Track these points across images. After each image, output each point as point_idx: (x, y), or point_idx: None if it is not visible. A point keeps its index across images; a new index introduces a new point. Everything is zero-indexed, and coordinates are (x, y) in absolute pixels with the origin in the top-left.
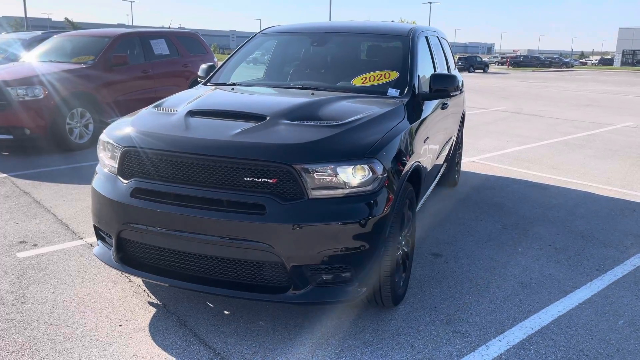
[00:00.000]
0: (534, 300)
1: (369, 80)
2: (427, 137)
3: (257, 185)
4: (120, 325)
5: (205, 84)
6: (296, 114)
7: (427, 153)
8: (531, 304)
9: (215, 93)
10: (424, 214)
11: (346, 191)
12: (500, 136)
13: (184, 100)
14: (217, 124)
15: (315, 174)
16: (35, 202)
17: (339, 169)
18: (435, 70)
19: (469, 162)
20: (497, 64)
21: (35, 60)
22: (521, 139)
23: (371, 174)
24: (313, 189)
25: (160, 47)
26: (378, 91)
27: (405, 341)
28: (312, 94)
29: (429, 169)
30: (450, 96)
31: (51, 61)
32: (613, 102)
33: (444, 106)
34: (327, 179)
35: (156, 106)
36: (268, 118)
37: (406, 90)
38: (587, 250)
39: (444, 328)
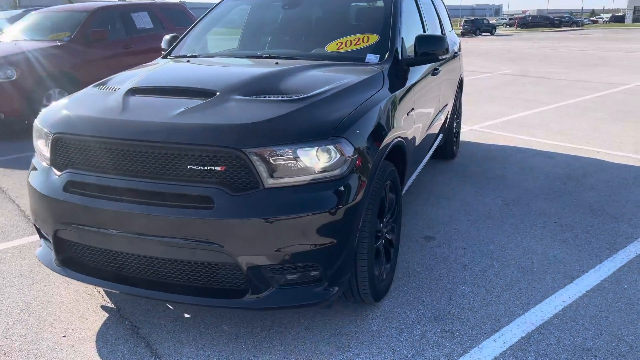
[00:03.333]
0: (536, 289)
1: (345, 45)
2: (414, 108)
3: (203, 175)
4: (64, 336)
5: (165, 57)
6: (251, 88)
7: (415, 125)
8: (532, 294)
9: (166, 67)
10: (417, 191)
11: (309, 177)
12: (505, 101)
13: (131, 77)
14: (158, 103)
15: (271, 159)
16: (0, 191)
17: (299, 152)
18: (425, 32)
19: (470, 131)
20: (505, 25)
21: (8, 39)
22: (527, 103)
23: (339, 155)
24: (269, 176)
25: (143, 21)
26: (355, 57)
27: (386, 344)
28: (277, 63)
29: (417, 143)
30: (439, 60)
31: (26, 40)
32: (624, 60)
33: (435, 72)
34: (286, 165)
35: (98, 85)
36: (217, 94)
37: (387, 55)
38: (597, 227)
39: (432, 327)
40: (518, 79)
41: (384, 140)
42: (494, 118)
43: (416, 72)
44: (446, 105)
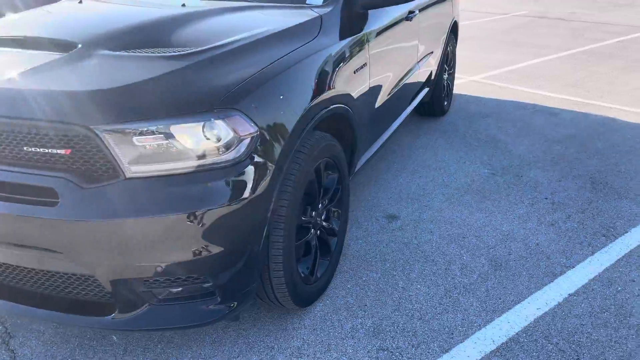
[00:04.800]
0: (507, 290)
1: None
2: (367, 63)
3: (45, 160)
4: None
5: None
6: (125, 40)
7: (370, 84)
8: (501, 297)
9: (46, 8)
10: (392, 157)
11: (188, 164)
12: (515, 47)
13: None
14: (4, 60)
15: (134, 140)
16: None
17: (174, 130)
18: None
19: (469, 83)
20: None
21: None
22: (539, 49)
23: (231, 133)
24: (131, 163)
25: None
26: None
27: None
28: (184, 5)
29: (378, 105)
30: (403, 1)
31: None
32: None
33: (409, 16)
34: (155, 147)
35: None
36: (78, 47)
37: None
38: (595, 205)
39: (367, 343)
40: (534, 21)
41: (311, 107)
42: (499, 67)
43: (379, 17)
44: (430, 54)
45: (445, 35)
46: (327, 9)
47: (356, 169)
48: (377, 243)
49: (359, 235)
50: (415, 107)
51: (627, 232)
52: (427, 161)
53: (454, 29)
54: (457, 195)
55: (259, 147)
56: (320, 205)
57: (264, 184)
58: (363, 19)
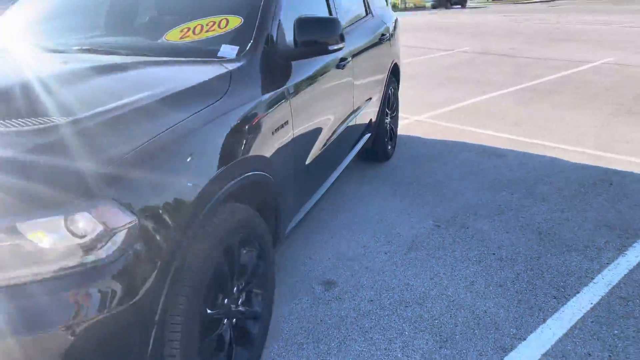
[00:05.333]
0: None
1: (193, 32)
2: (288, 120)
3: None
4: None
5: None
6: None
7: (299, 140)
8: None
9: None
10: (332, 210)
11: (46, 269)
12: (459, 84)
13: None
14: None
15: None
16: None
17: (23, 227)
18: (332, 13)
19: (414, 123)
20: None
21: None
22: (483, 86)
23: (100, 227)
24: None
25: None
26: (202, 51)
27: None
28: (66, 63)
29: (308, 161)
30: (329, 51)
31: None
32: (593, 34)
33: (341, 64)
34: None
35: None
36: None
37: (250, 46)
38: (544, 260)
39: None
40: (478, 57)
41: (214, 180)
42: (444, 105)
43: (304, 69)
44: (369, 99)
45: (385, 79)
46: (239, 63)
47: (286, 234)
48: (311, 319)
49: (291, 310)
50: (359, 154)
51: (578, 292)
52: (369, 213)
53: (394, 71)
54: (401, 254)
55: (140, 239)
56: (235, 289)
57: (148, 282)
58: (285, 72)
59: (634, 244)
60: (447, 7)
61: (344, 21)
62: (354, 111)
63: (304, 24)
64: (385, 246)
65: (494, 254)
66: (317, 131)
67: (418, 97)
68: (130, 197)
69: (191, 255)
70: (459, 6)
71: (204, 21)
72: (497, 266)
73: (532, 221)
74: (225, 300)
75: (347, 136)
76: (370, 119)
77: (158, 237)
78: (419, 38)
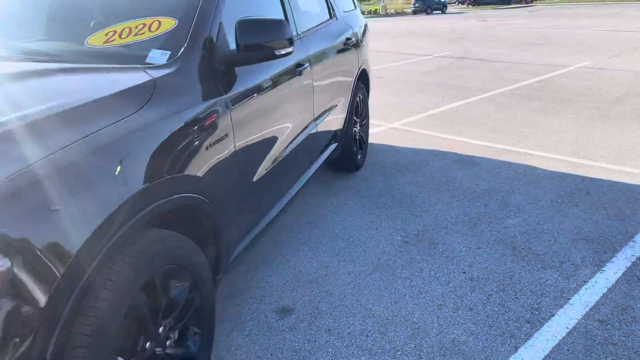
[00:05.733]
0: None
1: (119, 36)
2: (229, 134)
3: None
4: None
5: None
6: None
7: (244, 155)
8: None
9: None
10: (295, 225)
11: None
12: (436, 90)
13: None
14: None
15: None
16: None
17: None
18: (287, 16)
19: (389, 130)
20: (457, 3)
21: None
22: (460, 92)
23: None
24: None
25: None
26: (128, 56)
27: None
28: None
29: (256, 178)
30: (277, 56)
31: None
32: (569, 38)
33: (298, 69)
34: None
35: None
36: None
37: (183, 50)
38: (517, 278)
39: None
40: (456, 62)
41: (124, 207)
42: (420, 112)
43: (253, 76)
44: (333, 107)
45: (351, 85)
46: (168, 70)
47: (232, 259)
48: (261, 353)
49: (240, 343)
50: (327, 164)
51: (553, 314)
52: (334, 229)
53: (362, 78)
54: (365, 274)
55: (15, 286)
56: (161, 329)
57: (27, 340)
58: (226, 79)
59: (612, 259)
60: (427, 13)
61: (303, 24)
62: (315, 119)
63: (246, 27)
64: (349, 265)
65: (464, 272)
66: (267, 143)
67: (394, 103)
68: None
69: (92, 298)
70: (439, 12)
71: (133, 23)
72: (467, 287)
73: (506, 235)
74: (148, 344)
75: (307, 147)
76: (336, 128)
77: (42, 281)
78: (398, 43)
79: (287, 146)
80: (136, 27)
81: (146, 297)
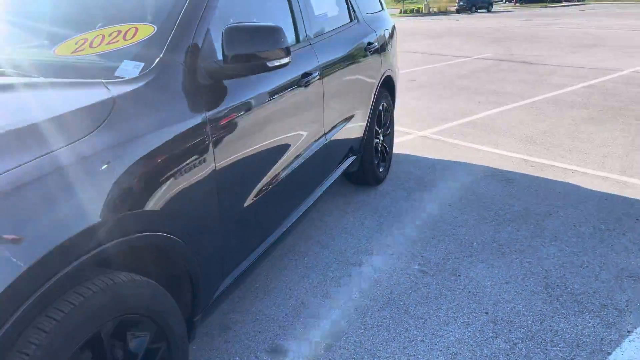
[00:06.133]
0: None
1: (89, 45)
2: (207, 158)
3: None
4: None
5: None
6: None
7: (228, 179)
8: None
9: None
10: (300, 248)
11: None
12: (473, 95)
13: None
14: None
15: None
16: None
17: None
18: (296, 21)
19: (418, 139)
20: (504, 1)
21: None
22: (499, 97)
23: None
24: None
25: None
26: (97, 68)
27: None
28: None
29: (247, 203)
30: (269, 68)
31: None
32: (624, 40)
33: (303, 81)
34: None
35: None
36: None
37: (158, 61)
38: (549, 324)
39: None
40: (497, 65)
41: (60, 249)
42: (453, 119)
43: (248, 88)
44: (350, 118)
45: (372, 94)
46: (136, 85)
47: (216, 297)
48: None
49: None
50: (348, 176)
51: None
52: (346, 252)
53: (387, 85)
54: (373, 310)
55: None
56: None
57: None
58: (213, 94)
59: None
60: (472, 12)
61: (315, 29)
62: (325, 133)
63: (234, 34)
64: (357, 299)
65: (487, 313)
66: (260, 164)
67: (425, 109)
68: None
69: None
70: (485, 10)
71: (107, 30)
72: (489, 332)
73: (539, 267)
74: None
75: (316, 163)
76: (354, 140)
77: None
78: (437, 44)
79: (290, 164)
80: (110, 35)
81: (91, 355)
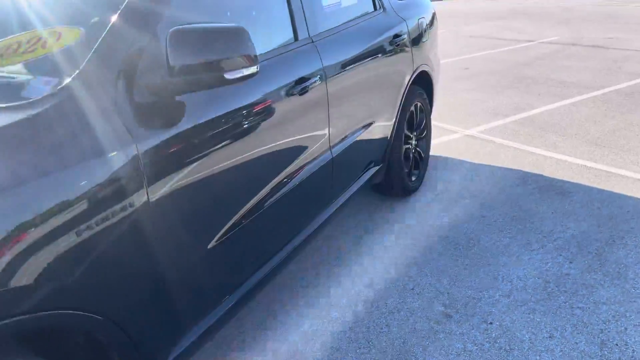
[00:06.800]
0: None
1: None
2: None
3: None
4: None
5: None
6: None
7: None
8: None
9: None
10: (310, 277)
11: None
12: (533, 85)
13: None
14: None
15: None
16: None
17: None
18: (294, 16)
19: (463, 139)
20: None
21: None
22: (562, 88)
23: None
24: None
25: None
26: (2, 86)
27: None
28: None
29: (211, 244)
30: (228, 81)
31: None
32: None
33: (298, 88)
34: None
35: None
36: None
37: (75, 76)
38: None
39: None
40: (564, 49)
41: None
42: (507, 114)
43: (215, 104)
44: (368, 125)
45: (401, 94)
46: (35, 110)
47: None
48: None
49: None
50: (373, 186)
51: None
52: (357, 284)
53: (422, 81)
54: None
55: None
56: None
57: None
58: (156, 115)
59: None
60: None
61: (321, 23)
62: (331, 147)
63: (181, 39)
64: (362, 347)
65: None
66: (224, 196)
67: (477, 102)
68: None
69: None
70: None
71: (24, 36)
72: None
73: (595, 319)
74: None
75: (318, 183)
76: (375, 149)
77: None
78: (497, 26)
79: (273, 191)
80: (28, 42)
81: None
